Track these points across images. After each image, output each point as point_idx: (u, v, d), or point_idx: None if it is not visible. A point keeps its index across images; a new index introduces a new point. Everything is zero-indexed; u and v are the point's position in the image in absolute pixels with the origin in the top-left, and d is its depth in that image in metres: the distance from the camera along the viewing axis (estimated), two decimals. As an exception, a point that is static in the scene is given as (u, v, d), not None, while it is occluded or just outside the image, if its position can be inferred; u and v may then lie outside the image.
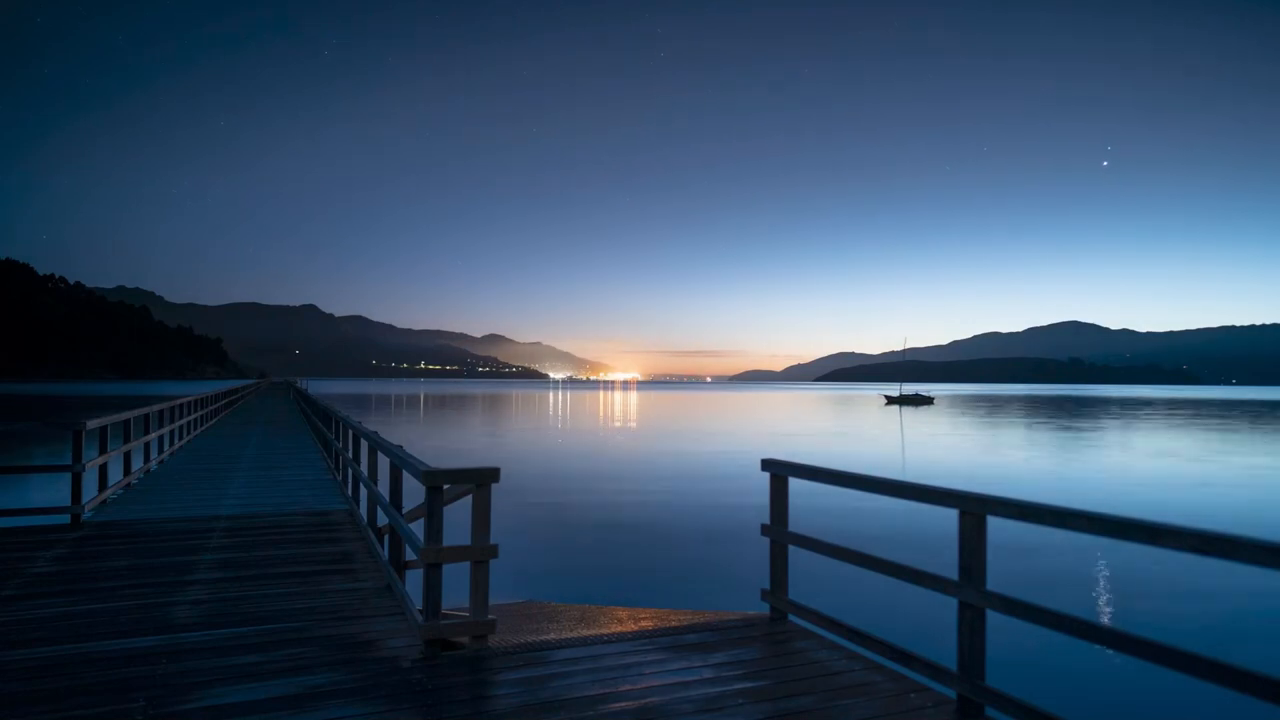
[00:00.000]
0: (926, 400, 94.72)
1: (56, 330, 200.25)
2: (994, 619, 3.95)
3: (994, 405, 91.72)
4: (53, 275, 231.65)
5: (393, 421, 49.94)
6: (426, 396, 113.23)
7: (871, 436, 41.84)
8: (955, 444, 36.78)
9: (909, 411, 73.92)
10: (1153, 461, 29.08)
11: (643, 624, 8.39)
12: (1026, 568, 12.08)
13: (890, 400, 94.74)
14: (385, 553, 7.16)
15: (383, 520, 8.12)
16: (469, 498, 4.94)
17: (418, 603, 5.16)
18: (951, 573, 4.01)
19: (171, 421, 15.05)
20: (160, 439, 13.83)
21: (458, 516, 5.69)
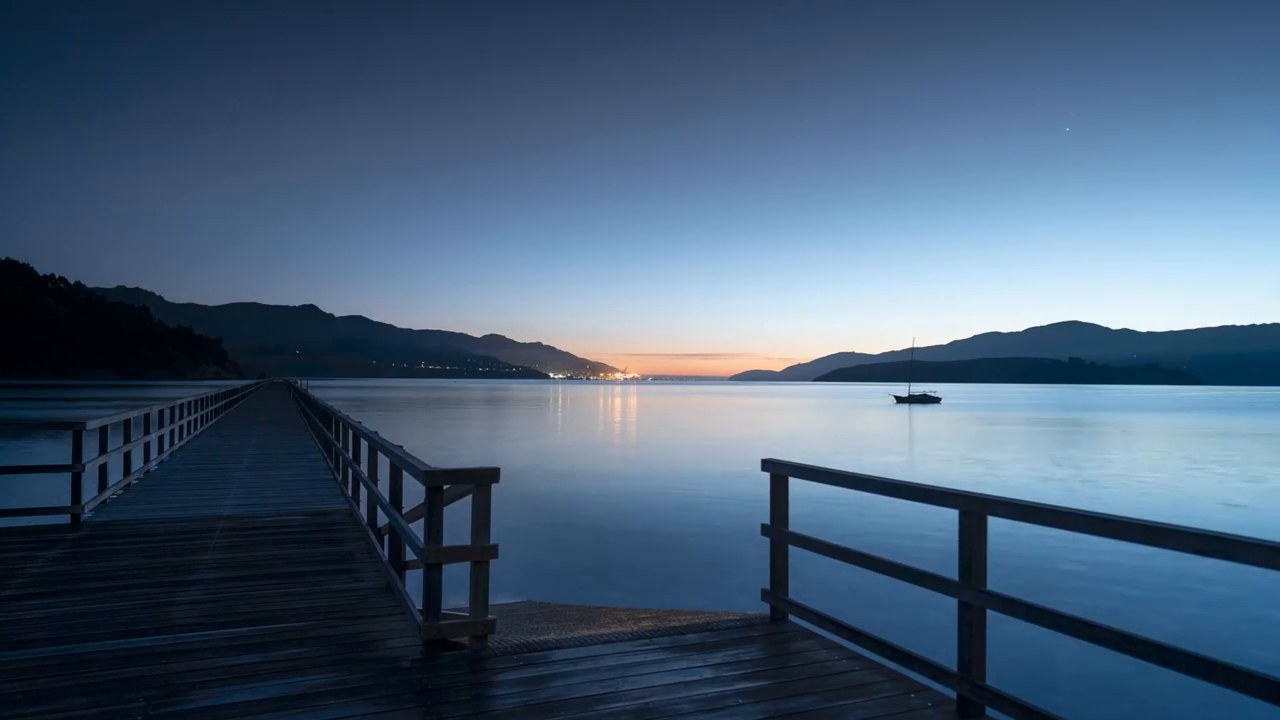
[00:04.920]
0: (934, 399, 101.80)
1: (56, 330, 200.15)
2: (994, 619, 3.96)
3: (994, 406, 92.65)
4: (53, 275, 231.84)
5: (392, 421, 49.92)
6: (426, 396, 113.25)
7: (870, 435, 41.86)
8: (954, 443, 36.80)
9: (920, 411, 77.62)
10: (1153, 463, 29.08)
11: (643, 624, 8.37)
12: (1026, 568, 12.08)
13: (900, 400, 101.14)
14: (385, 553, 7.15)
15: (383, 520, 8.12)
16: (469, 498, 4.94)
17: (418, 603, 5.16)
18: (951, 573, 4.01)
19: (171, 421, 15.05)
20: (160, 439, 13.82)
21: (458, 516, 5.69)
